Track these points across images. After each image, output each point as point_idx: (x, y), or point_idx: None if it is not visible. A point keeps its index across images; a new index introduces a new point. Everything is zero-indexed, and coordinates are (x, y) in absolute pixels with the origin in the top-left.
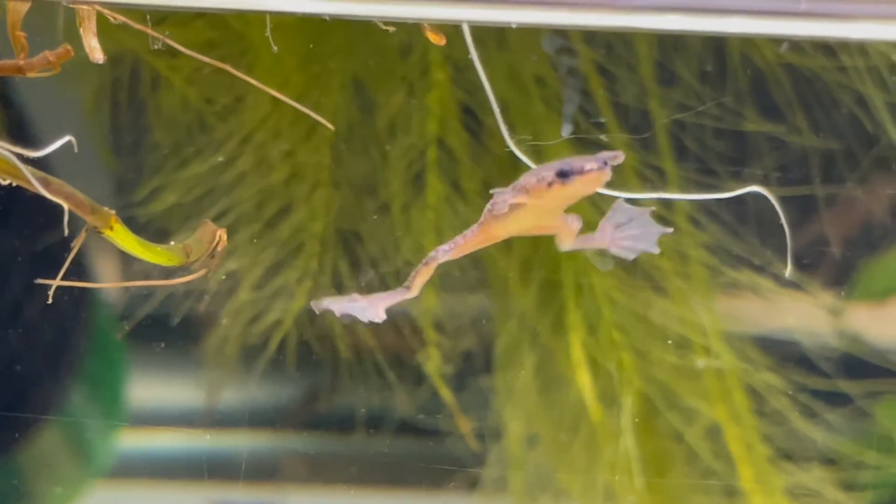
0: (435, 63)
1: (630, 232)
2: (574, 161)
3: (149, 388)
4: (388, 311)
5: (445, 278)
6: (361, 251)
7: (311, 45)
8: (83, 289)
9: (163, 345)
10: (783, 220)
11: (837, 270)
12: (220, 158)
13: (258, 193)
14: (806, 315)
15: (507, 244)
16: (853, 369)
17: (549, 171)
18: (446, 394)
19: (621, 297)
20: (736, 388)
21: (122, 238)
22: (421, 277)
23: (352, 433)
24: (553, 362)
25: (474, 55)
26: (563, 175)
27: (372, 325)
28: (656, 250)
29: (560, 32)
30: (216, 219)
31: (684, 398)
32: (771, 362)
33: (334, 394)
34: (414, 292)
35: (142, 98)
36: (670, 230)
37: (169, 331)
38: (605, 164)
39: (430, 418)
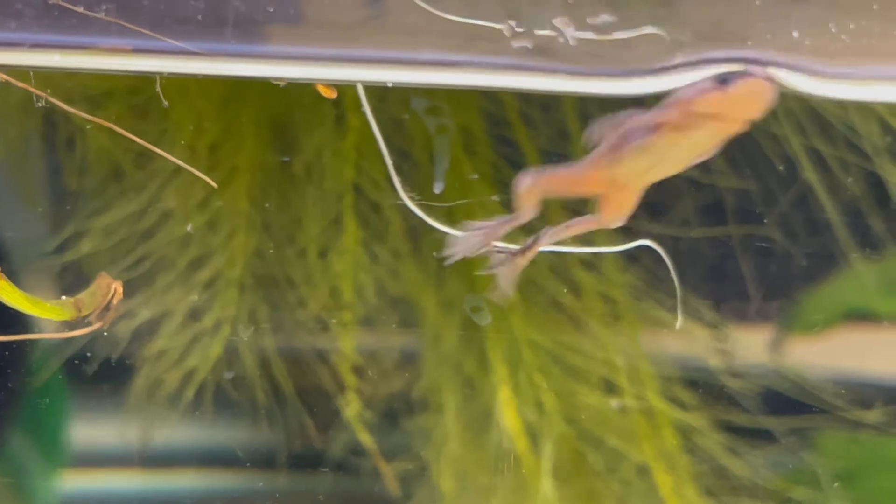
0: (351, 108)
1: None
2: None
3: (85, 429)
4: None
5: (367, 322)
6: (279, 296)
7: (228, 91)
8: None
9: (97, 386)
10: (673, 273)
11: (772, 305)
12: (138, 205)
13: (176, 240)
14: (735, 350)
15: (438, 281)
16: (782, 406)
17: (703, 82)
18: (366, 438)
19: (544, 338)
20: (664, 427)
21: (8, 294)
22: (523, 207)
23: (276, 474)
24: (479, 403)
25: (368, 112)
26: (723, 81)
27: (292, 368)
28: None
29: (426, 92)
30: (133, 265)
31: (611, 438)
32: (698, 400)
33: (257, 435)
34: (524, 217)
35: (59, 146)
36: None
37: (101, 374)
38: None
39: (354, 460)
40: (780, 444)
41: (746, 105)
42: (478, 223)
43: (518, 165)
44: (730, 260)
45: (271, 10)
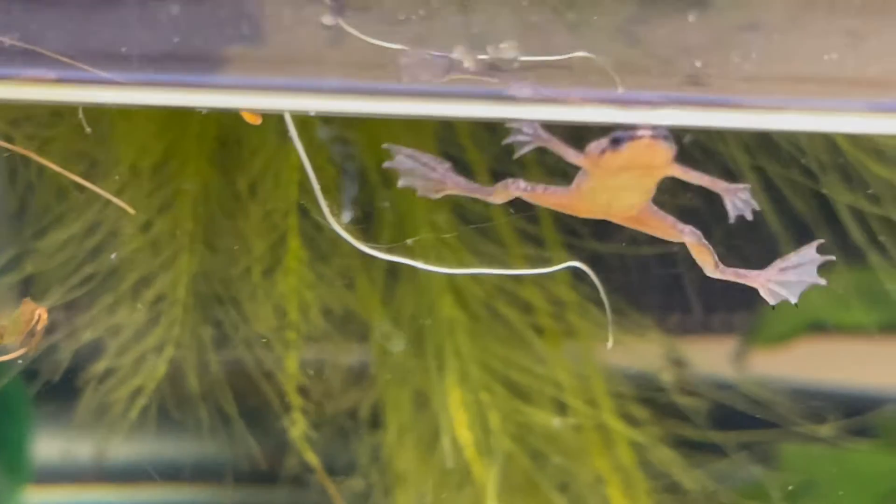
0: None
1: (791, 267)
2: (633, 130)
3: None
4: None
5: (312, 340)
6: (224, 315)
7: (172, 110)
8: None
9: (49, 403)
10: (602, 294)
11: (732, 319)
12: (80, 226)
13: (119, 260)
14: (693, 365)
15: (389, 296)
16: (741, 419)
17: (607, 138)
18: (312, 457)
19: (492, 355)
20: (617, 443)
21: None
22: (499, 194)
23: (223, 492)
24: (429, 420)
25: (296, 139)
26: (615, 141)
27: (238, 387)
28: (822, 281)
29: (331, 121)
30: (77, 286)
31: (563, 455)
32: (652, 415)
33: (203, 454)
34: (496, 199)
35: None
36: (832, 258)
37: (48, 392)
38: (667, 139)
39: (301, 478)
40: (739, 458)
41: (643, 161)
42: (436, 163)
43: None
44: (683, 275)
45: (176, 40)
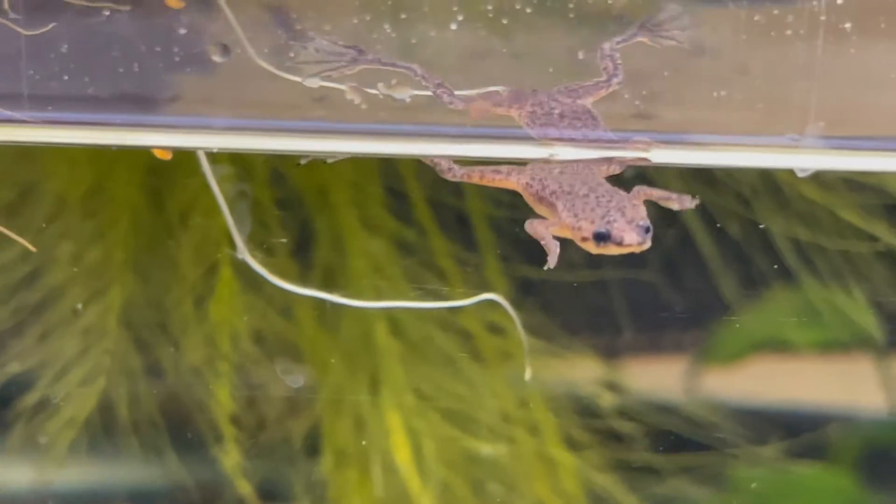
0: (222, 159)
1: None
2: (617, 223)
3: None
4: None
5: (245, 370)
6: (156, 346)
7: None
8: None
9: None
10: (518, 327)
11: (687, 337)
12: (9, 256)
13: (49, 290)
14: (639, 387)
15: (324, 323)
16: (691, 439)
17: (589, 219)
18: (244, 486)
19: (431, 384)
20: (560, 468)
21: None
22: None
23: None
24: (367, 447)
25: (209, 175)
26: (599, 238)
27: (170, 418)
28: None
29: (226, 159)
30: (8, 317)
31: (504, 481)
32: (594, 439)
33: (137, 484)
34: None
35: None
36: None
37: None
38: (647, 231)
39: None
40: (686, 480)
41: (622, 251)
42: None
43: (405, 215)
44: (628, 298)
45: (66, 78)
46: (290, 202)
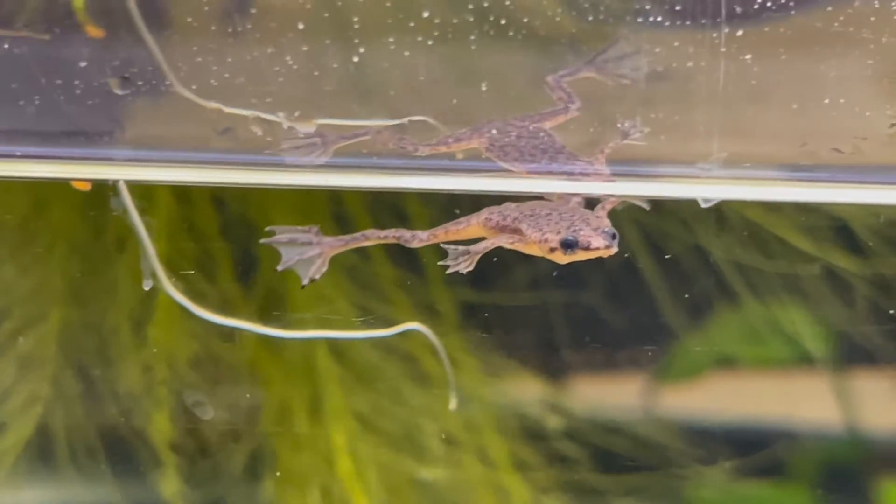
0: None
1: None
2: (583, 231)
3: None
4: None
5: (185, 396)
6: (95, 372)
7: None
8: None
9: None
10: (443, 355)
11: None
12: None
13: None
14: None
15: (266, 346)
16: (646, 458)
17: (555, 231)
18: None
19: (375, 408)
20: (509, 490)
21: None
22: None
23: None
24: (308, 471)
25: (130, 205)
26: (567, 246)
27: (109, 445)
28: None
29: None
30: None
31: (454, 502)
32: (539, 460)
33: None
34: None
35: None
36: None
37: None
38: (614, 238)
39: None
40: (637, 499)
41: (590, 256)
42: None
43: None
44: (582, 315)
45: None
46: (233, 228)
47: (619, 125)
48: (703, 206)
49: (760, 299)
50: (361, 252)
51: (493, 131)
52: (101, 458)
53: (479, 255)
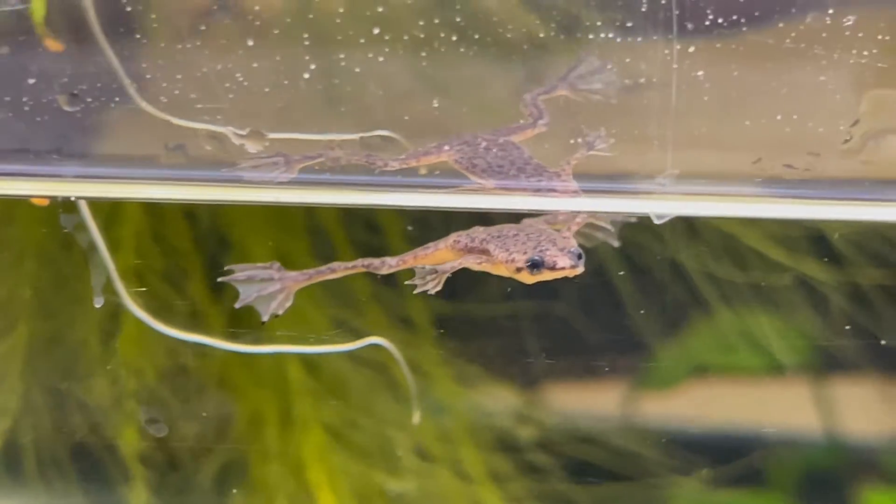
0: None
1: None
2: (549, 251)
3: None
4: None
5: (154, 409)
6: (64, 385)
7: None
8: None
9: None
10: (405, 370)
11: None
12: None
13: None
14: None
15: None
16: (626, 467)
17: (521, 251)
18: None
19: (346, 420)
20: (481, 501)
21: None
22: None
23: None
24: (279, 485)
25: (91, 223)
26: (533, 266)
27: (78, 459)
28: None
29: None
30: None
31: None
32: (513, 471)
33: None
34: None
35: None
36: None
37: None
38: (580, 258)
39: None
40: None
41: (556, 276)
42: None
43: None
44: (545, 331)
45: None
46: (204, 241)
47: (584, 137)
48: (657, 221)
49: (735, 309)
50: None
51: (462, 144)
52: (69, 471)
53: (447, 275)
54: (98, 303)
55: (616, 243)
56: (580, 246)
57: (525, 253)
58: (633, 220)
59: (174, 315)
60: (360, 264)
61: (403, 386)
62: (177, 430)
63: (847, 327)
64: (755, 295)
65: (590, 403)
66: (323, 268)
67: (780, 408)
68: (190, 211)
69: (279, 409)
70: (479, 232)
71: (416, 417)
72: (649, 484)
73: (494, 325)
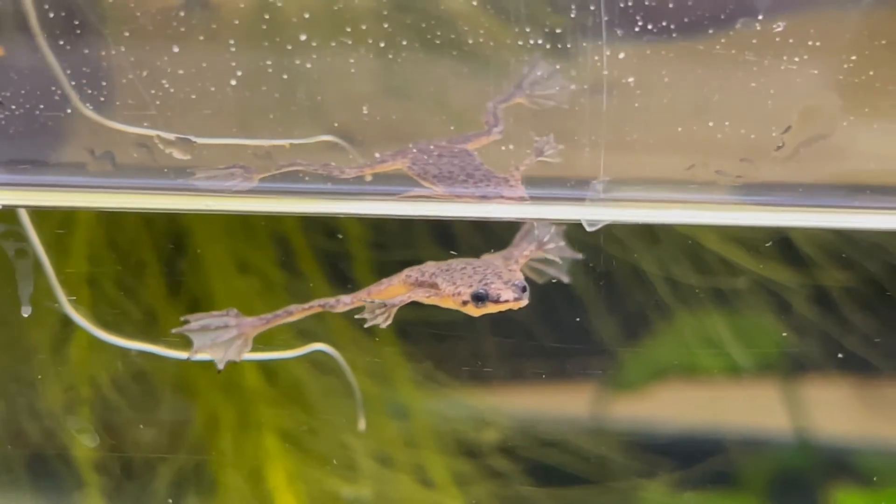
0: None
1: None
2: (493, 284)
3: None
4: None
5: (108, 416)
6: (15, 391)
7: None
8: None
9: None
10: (349, 375)
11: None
12: None
13: None
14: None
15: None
16: (597, 470)
17: (467, 284)
18: None
19: (302, 423)
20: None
21: None
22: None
23: None
24: (235, 492)
25: (31, 232)
26: (478, 299)
27: (32, 470)
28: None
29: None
30: None
31: None
32: (475, 475)
33: None
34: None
35: None
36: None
37: None
38: (524, 291)
39: None
40: None
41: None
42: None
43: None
44: (507, 336)
45: None
46: (160, 246)
47: (534, 143)
48: (589, 229)
49: (697, 312)
50: (294, 270)
51: (417, 152)
52: (22, 479)
53: (396, 308)
54: (26, 312)
55: (566, 279)
56: (528, 280)
57: (471, 286)
58: (581, 256)
59: (128, 320)
60: (315, 305)
61: (361, 390)
62: (131, 437)
63: (807, 329)
64: (716, 297)
65: (553, 407)
66: (280, 311)
67: (747, 409)
68: (147, 217)
69: (236, 414)
70: (430, 266)
71: (362, 424)
72: (615, 487)
73: (455, 329)
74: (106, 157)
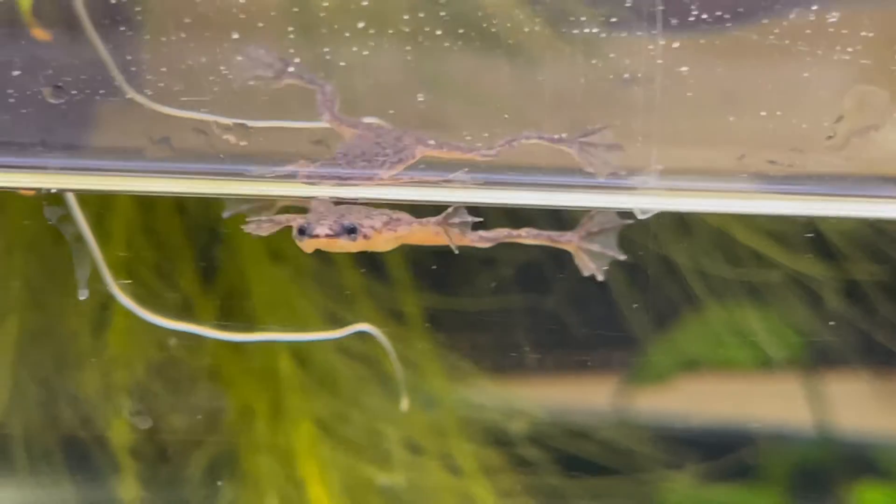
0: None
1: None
2: (326, 221)
3: None
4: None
5: (145, 401)
6: (54, 376)
7: None
8: None
9: None
10: (393, 358)
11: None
12: None
13: None
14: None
15: (227, 354)
16: (617, 461)
17: (317, 220)
18: None
19: (334, 411)
20: (472, 494)
21: None
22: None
23: None
24: (269, 478)
25: (79, 216)
26: (301, 231)
27: (69, 452)
28: (622, 256)
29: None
30: None
31: None
32: (504, 464)
33: None
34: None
35: None
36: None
37: None
38: (351, 232)
39: None
40: (609, 503)
41: (332, 249)
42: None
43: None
44: (538, 326)
45: None
46: (196, 233)
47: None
48: (640, 217)
49: (727, 304)
50: (325, 257)
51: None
52: (59, 463)
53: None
54: (83, 295)
55: (601, 277)
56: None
57: (307, 217)
58: (624, 257)
59: (165, 306)
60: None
61: (393, 380)
62: (167, 423)
63: (836, 323)
64: (746, 290)
65: (581, 398)
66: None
67: (772, 403)
68: (181, 202)
69: (270, 401)
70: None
71: (405, 404)
72: (640, 478)
73: (485, 318)
74: (163, 142)
